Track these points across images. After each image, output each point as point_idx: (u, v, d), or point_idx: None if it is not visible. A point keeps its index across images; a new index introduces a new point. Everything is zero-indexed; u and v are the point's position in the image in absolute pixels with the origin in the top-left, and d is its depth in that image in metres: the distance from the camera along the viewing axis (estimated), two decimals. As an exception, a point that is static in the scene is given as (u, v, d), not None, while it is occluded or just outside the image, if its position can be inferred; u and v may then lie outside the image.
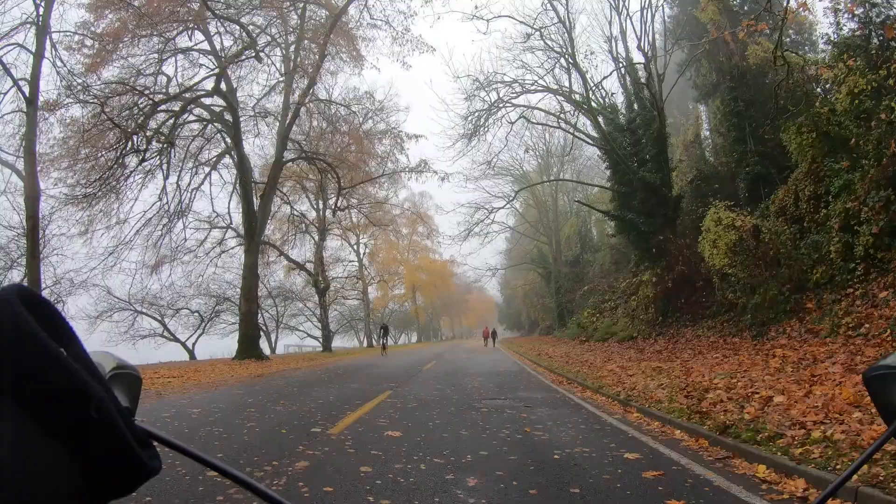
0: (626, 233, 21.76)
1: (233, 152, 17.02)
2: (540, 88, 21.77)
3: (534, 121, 19.82)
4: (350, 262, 32.71)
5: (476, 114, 21.12)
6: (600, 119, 21.56)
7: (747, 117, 17.66)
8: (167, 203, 18.12)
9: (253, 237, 16.48)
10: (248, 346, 16.19)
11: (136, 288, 22.68)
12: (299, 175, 25.08)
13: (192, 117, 18.14)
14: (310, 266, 26.77)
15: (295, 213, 23.06)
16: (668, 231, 18.77)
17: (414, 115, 26.96)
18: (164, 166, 17.18)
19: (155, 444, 0.35)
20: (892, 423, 0.48)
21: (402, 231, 51.38)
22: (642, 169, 19.80)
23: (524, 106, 22.20)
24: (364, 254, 33.43)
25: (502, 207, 21.82)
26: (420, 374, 11.38)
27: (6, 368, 0.28)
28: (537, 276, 45.39)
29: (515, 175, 38.41)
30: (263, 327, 32.49)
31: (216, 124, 18.12)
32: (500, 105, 21.66)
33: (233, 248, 25.25)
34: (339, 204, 19.65)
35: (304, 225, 26.49)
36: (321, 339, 24.50)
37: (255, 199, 17.79)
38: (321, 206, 25.18)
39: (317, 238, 24.49)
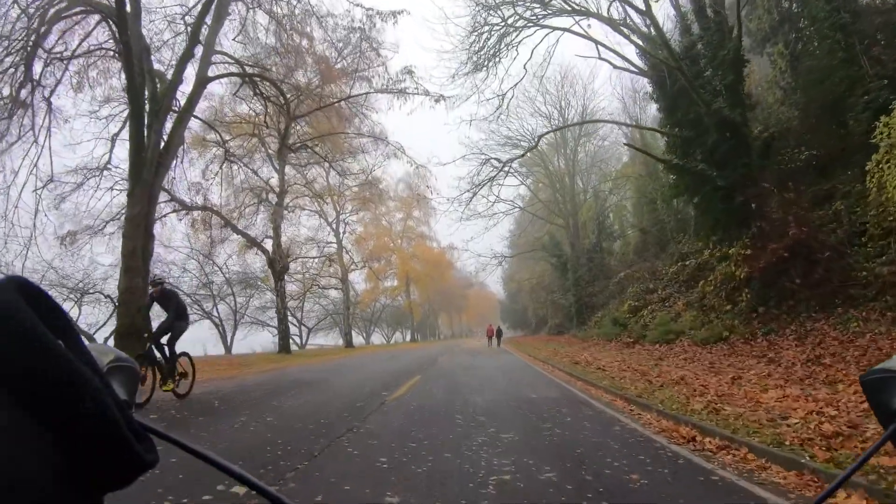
0: (689, 192, 15.85)
1: (113, 25, 11.06)
2: (575, 8, 15.85)
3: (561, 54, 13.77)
4: (328, 243, 26.76)
5: (487, 29, 15.19)
6: (646, 44, 15.76)
7: (857, 31, 12.22)
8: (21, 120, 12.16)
9: (140, 174, 10.51)
10: (129, 347, 10.17)
11: (35, 262, 16.83)
12: (255, 124, 19.19)
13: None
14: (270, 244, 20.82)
15: (231, 159, 17.03)
16: (758, 185, 13.07)
17: (404, 49, 20.88)
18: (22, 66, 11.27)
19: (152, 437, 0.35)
20: (890, 425, 0.48)
21: (396, 216, 45.74)
22: (716, 101, 13.96)
23: (552, 28, 16.29)
24: (344, 233, 27.42)
25: (521, 157, 15.92)
26: (371, 419, 5.25)
27: (3, 360, 0.28)
28: (548, 268, 39.75)
29: (525, 148, 32.95)
30: (217, 320, 26.59)
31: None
32: (518, 25, 15.74)
33: (167, 214, 19.44)
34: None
35: (264, 193, 20.56)
36: (278, 337, 18.56)
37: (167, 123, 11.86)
38: (281, 165, 19.24)
39: (275, 202, 18.53)
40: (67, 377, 0.29)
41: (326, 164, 20.90)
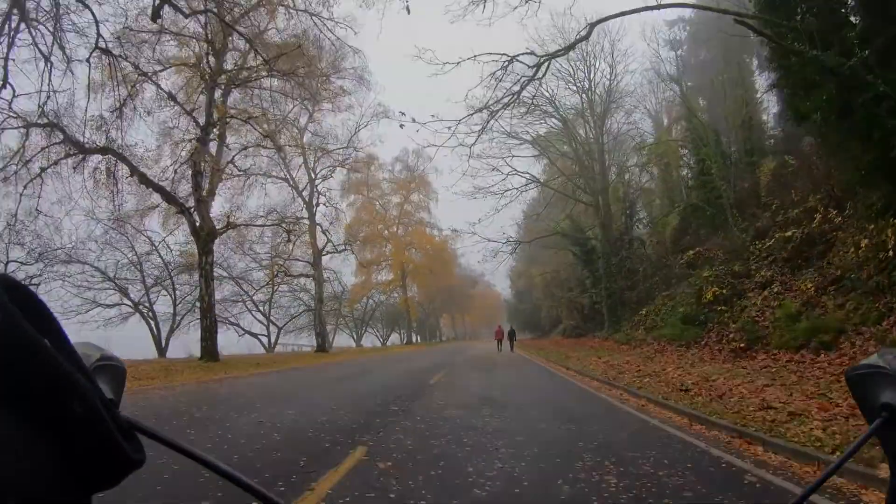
0: (830, 108, 10.02)
1: None
2: None
3: None
4: (300, 219, 20.89)
5: None
6: None
7: None
8: None
9: None
10: None
11: None
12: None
13: None
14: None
15: (141, 79, 11.37)
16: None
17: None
18: None
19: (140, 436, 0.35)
20: (874, 421, 0.48)
21: (392, 200, 39.92)
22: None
23: None
24: (317, 205, 21.46)
25: (568, 50, 10.10)
26: None
27: None
28: (564, 261, 34.11)
29: (549, 112, 27.61)
30: (149, 314, 20.76)
31: None
32: None
33: (59, 160, 13.95)
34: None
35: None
36: (202, 339, 12.59)
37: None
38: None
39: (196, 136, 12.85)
40: (54, 377, 0.28)
41: (291, 102, 15.18)
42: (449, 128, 9.88)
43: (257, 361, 13.63)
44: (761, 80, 23.91)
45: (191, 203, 14.36)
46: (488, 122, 10.61)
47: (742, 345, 10.05)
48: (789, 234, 13.32)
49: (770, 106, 23.90)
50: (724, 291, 12.89)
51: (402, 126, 10.52)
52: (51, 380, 0.28)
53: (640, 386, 7.62)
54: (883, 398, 0.48)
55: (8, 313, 0.27)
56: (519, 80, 9.92)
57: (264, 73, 14.76)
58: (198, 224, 13.02)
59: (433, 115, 10.27)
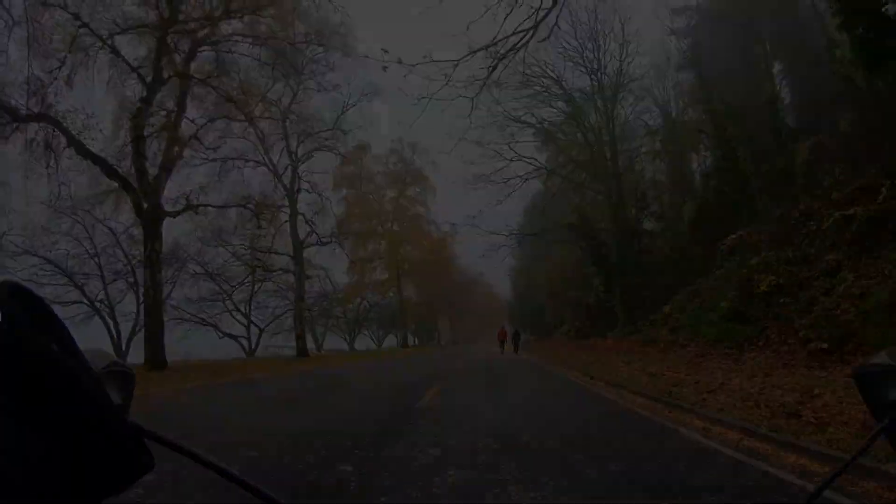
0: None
1: None
2: None
3: None
4: (280, 207, 18.62)
5: None
6: None
7: None
8: None
9: None
10: None
11: None
12: None
13: None
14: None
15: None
16: None
17: None
18: None
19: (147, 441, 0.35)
20: (883, 419, 0.48)
21: (387, 194, 37.65)
22: None
23: None
24: (299, 190, 19.13)
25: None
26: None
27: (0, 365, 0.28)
28: (572, 256, 31.99)
29: (556, 93, 25.47)
30: (108, 315, 18.43)
31: None
32: None
33: None
34: None
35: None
36: (145, 340, 10.35)
37: None
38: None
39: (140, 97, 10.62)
40: (63, 382, 0.28)
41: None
42: (445, 74, 7.66)
43: (215, 369, 11.33)
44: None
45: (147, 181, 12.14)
46: (496, 66, 8.40)
47: (825, 345, 7.80)
48: (850, 213, 11.25)
49: (784, 96, 22.20)
50: (780, 280, 10.65)
51: (385, 68, 8.26)
52: (60, 385, 0.28)
53: (719, 407, 5.37)
54: (892, 397, 0.47)
55: (17, 320, 0.26)
56: (535, 12, 7.74)
57: (235, 36, 12.61)
58: (145, 207, 10.74)
59: (425, 56, 8.01)
